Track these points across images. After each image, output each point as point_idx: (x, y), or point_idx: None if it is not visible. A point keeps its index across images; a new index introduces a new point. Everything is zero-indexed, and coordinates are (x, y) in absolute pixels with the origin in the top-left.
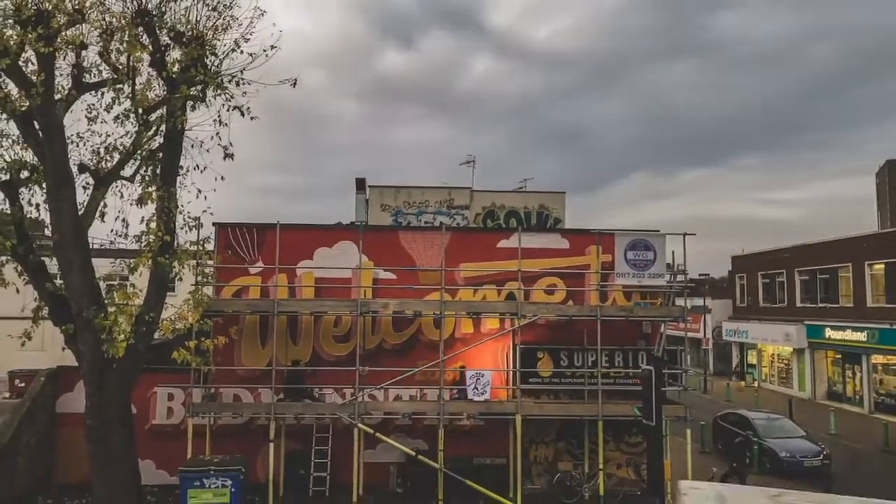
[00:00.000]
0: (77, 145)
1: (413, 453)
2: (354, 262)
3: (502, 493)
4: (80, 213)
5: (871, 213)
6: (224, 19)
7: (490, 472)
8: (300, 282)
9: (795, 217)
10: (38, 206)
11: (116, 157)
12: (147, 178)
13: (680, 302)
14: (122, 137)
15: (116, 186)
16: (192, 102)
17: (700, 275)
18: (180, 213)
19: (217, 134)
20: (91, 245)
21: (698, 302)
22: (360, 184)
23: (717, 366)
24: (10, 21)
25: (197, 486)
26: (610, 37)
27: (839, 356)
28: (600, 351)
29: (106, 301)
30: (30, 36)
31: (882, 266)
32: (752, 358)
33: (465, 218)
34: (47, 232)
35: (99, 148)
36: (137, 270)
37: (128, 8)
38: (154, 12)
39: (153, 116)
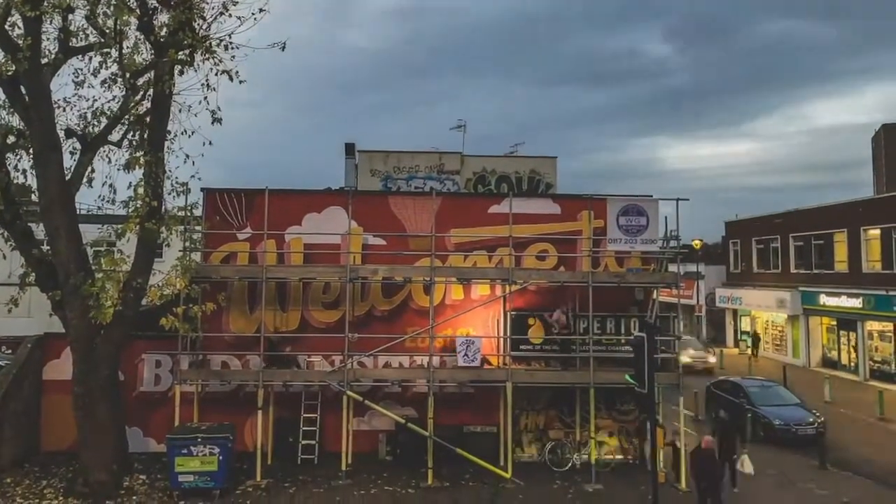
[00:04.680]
0: (64, 110)
1: (403, 421)
2: (344, 227)
3: (492, 462)
4: (67, 178)
5: None
6: None
7: (480, 441)
8: (289, 248)
9: None
10: (24, 171)
11: (104, 121)
12: (135, 143)
13: (673, 268)
14: (109, 102)
15: (104, 151)
16: (179, 66)
17: (692, 240)
18: (168, 178)
19: (205, 98)
20: (78, 210)
21: (692, 268)
22: (350, 149)
23: (711, 332)
24: None
25: (184, 454)
26: None
27: (834, 323)
28: (592, 317)
29: (93, 267)
30: None
31: (878, 231)
32: (745, 325)
33: (455, 183)
34: (34, 197)
35: (86, 112)
36: (125, 236)
37: None
38: None
39: (141, 81)
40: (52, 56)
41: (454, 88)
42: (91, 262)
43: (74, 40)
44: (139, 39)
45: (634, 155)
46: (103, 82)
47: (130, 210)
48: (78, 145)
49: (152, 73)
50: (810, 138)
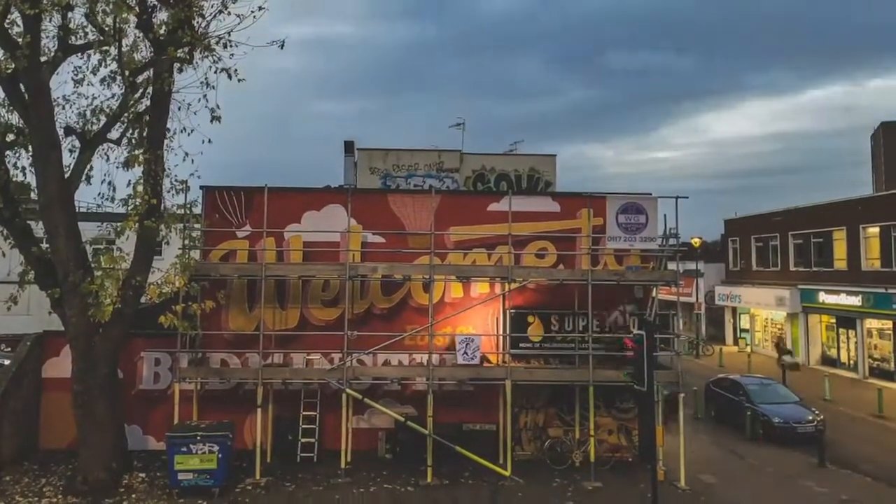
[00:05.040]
0: (63, 108)
1: (402, 419)
2: (343, 225)
3: (492, 460)
4: (66, 176)
5: None
6: None
7: (480, 438)
8: (288, 245)
9: None
10: (24, 169)
11: (103, 119)
12: (134, 141)
13: (672, 266)
14: (108, 100)
15: (103, 149)
16: (179, 64)
17: (692, 238)
18: (167, 176)
19: (204, 96)
20: (77, 208)
21: (691, 266)
22: (349, 146)
23: (710, 330)
24: None
25: (184, 452)
26: None
27: (833, 321)
28: (591, 315)
29: (92, 265)
30: None
31: (877, 229)
32: (745, 323)
33: (454, 181)
34: (33, 195)
35: (85, 111)
36: (124, 234)
37: None
38: None
39: (140, 79)
40: (52, 54)
41: (372, 106)
42: (90, 259)
43: (74, 38)
44: (138, 37)
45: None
46: (102, 80)
47: (130, 208)
48: (77, 143)
49: (151, 70)
50: (712, 148)
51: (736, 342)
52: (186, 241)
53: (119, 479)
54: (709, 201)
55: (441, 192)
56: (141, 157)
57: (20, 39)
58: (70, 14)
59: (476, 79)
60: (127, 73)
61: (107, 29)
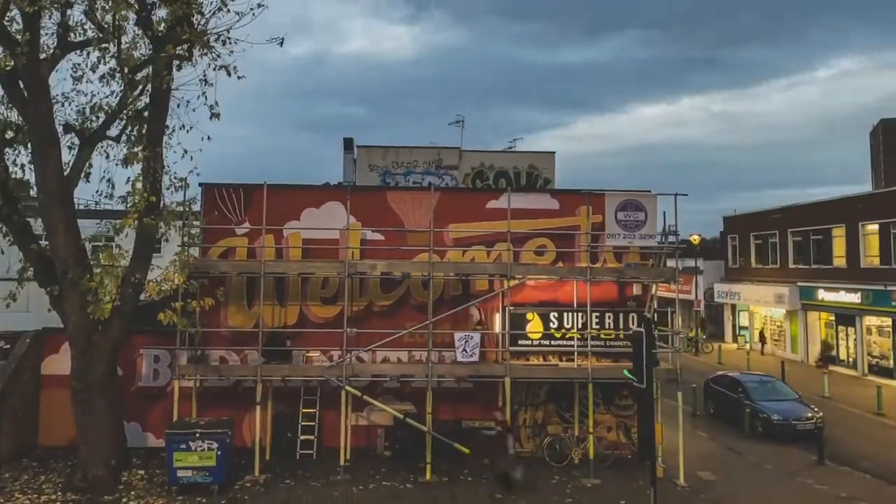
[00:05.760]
0: (62, 105)
1: (401, 416)
2: (342, 222)
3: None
4: (65, 173)
5: None
6: None
7: (479, 436)
8: (287, 243)
9: None
10: (23, 166)
11: (102, 117)
12: (133, 138)
13: (671, 263)
14: (107, 97)
15: (102, 146)
16: (178, 62)
17: (690, 236)
18: (166, 173)
19: (203, 94)
20: (76, 205)
21: (690, 263)
22: (348, 144)
23: (709, 327)
24: None
25: (183, 449)
26: None
27: (832, 318)
28: (590, 312)
29: (92, 262)
30: None
31: (876, 227)
32: (744, 320)
33: (453, 178)
34: (33, 193)
35: (84, 108)
36: (123, 231)
37: None
38: None
39: (139, 76)
40: (51, 51)
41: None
42: (89, 257)
43: (73, 35)
44: (137, 34)
45: None
46: (101, 77)
47: (129, 205)
48: (76, 140)
49: (150, 68)
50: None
51: (735, 339)
52: (185, 239)
53: (118, 476)
54: None
55: (440, 190)
56: (140, 155)
57: (19, 37)
58: (69, 11)
59: (300, 116)
60: (126, 70)
61: (106, 26)
